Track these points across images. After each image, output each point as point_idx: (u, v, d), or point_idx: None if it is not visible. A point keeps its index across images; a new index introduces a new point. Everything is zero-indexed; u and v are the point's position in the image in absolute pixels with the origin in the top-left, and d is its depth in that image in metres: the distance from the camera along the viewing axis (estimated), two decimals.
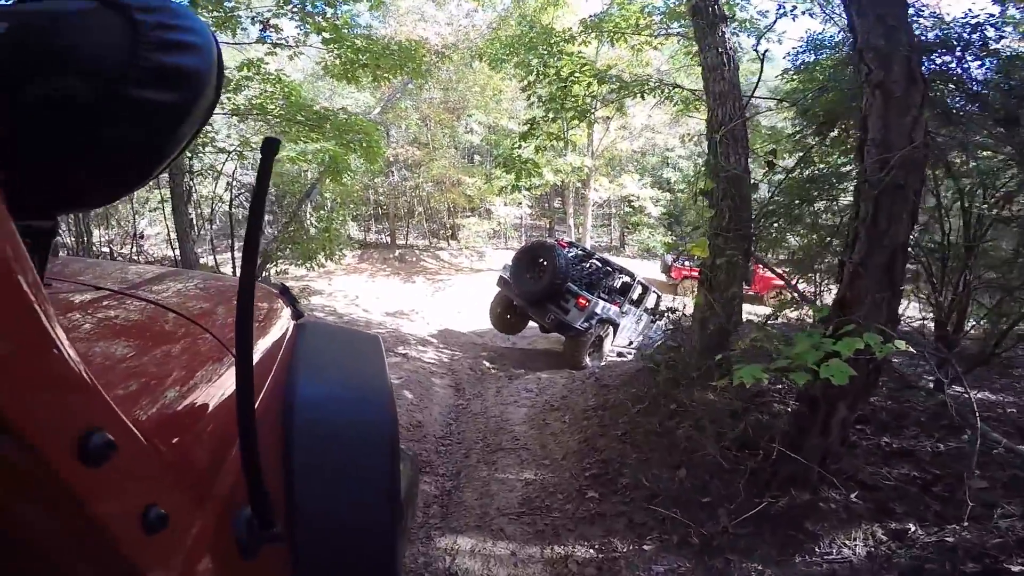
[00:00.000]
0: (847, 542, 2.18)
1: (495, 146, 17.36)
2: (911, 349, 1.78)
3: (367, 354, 1.34)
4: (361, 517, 1.00)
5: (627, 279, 8.45)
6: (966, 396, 2.51)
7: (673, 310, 5.56)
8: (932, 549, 2.05)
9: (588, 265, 8.46)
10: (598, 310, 7.35)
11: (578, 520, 3.12)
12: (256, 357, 0.98)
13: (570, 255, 7.89)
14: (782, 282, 10.57)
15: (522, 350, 9.35)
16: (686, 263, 14.79)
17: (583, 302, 7.09)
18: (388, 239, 19.73)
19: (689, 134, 14.98)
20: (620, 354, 8.49)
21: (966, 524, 2.12)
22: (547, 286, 7.17)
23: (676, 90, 6.55)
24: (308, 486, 0.93)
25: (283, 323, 1.28)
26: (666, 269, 15.80)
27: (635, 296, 8.45)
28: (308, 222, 8.50)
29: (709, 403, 3.44)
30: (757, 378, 1.86)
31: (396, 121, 17.54)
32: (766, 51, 3.30)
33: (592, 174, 17.45)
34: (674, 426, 3.41)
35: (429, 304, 12.83)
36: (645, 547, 2.67)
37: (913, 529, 2.14)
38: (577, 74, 5.61)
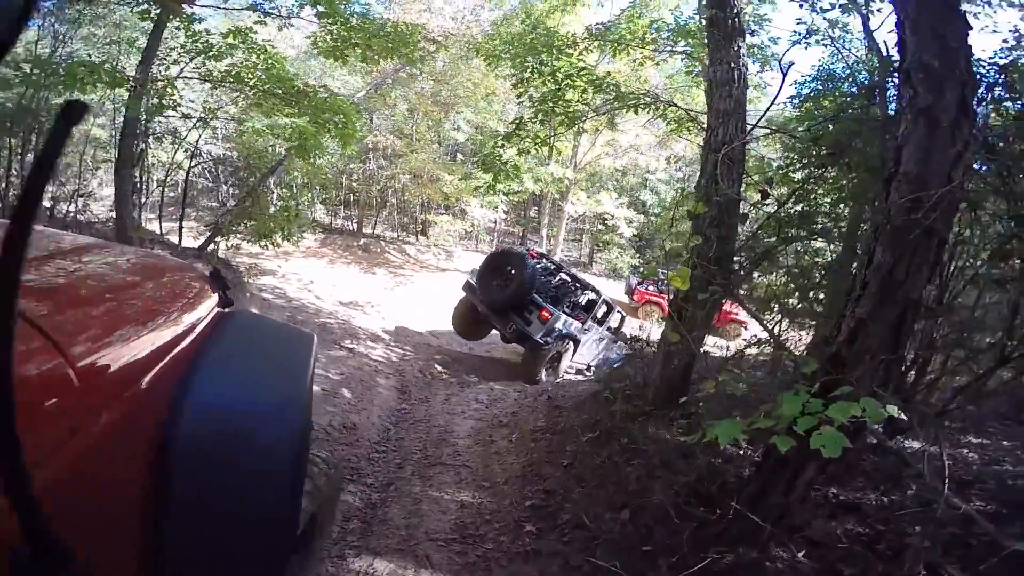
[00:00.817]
0: None
1: (480, 146, 17.11)
2: (903, 416, 1.58)
3: (292, 356, 1.21)
4: (245, 548, 0.91)
5: (592, 296, 8.31)
6: (937, 460, 2.34)
7: (637, 338, 5.38)
8: None
9: (556, 279, 8.34)
10: (559, 324, 7.18)
11: (512, 555, 2.85)
12: (146, 346, 0.87)
13: (539, 267, 7.76)
14: (739, 318, 10.73)
15: (479, 357, 9.07)
16: (649, 287, 14.97)
17: (546, 315, 6.96)
18: (355, 226, 19.18)
19: (676, 156, 14.99)
20: (579, 371, 8.32)
21: None
22: (512, 295, 6.99)
23: (671, 109, 6.42)
24: (183, 505, 0.84)
25: (200, 310, 1.15)
26: (629, 291, 15.92)
27: (599, 314, 8.27)
28: (269, 199, 8.02)
29: (663, 442, 3.22)
30: (735, 438, 1.63)
31: (381, 108, 17.05)
32: (790, 65, 3.13)
33: (572, 187, 17.36)
34: (623, 462, 3.17)
35: (387, 298, 12.42)
36: None
37: None
38: (574, 77, 5.39)
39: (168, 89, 6.62)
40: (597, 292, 8.28)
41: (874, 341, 1.80)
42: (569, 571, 2.60)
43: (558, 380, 7.46)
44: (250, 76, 6.75)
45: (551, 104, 5.54)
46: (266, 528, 0.93)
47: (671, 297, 3.42)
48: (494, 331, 8.55)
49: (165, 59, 7.18)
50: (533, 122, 5.67)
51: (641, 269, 19.68)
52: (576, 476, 3.42)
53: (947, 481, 2.02)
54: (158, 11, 6.15)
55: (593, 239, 23.14)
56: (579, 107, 5.96)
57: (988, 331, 3.19)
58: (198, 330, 1.07)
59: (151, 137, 7.33)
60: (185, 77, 7.17)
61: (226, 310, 1.35)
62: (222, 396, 0.92)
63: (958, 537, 2.25)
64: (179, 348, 0.96)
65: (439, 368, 7.62)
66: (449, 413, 5.79)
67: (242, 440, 0.90)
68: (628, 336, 6.62)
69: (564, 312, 7.37)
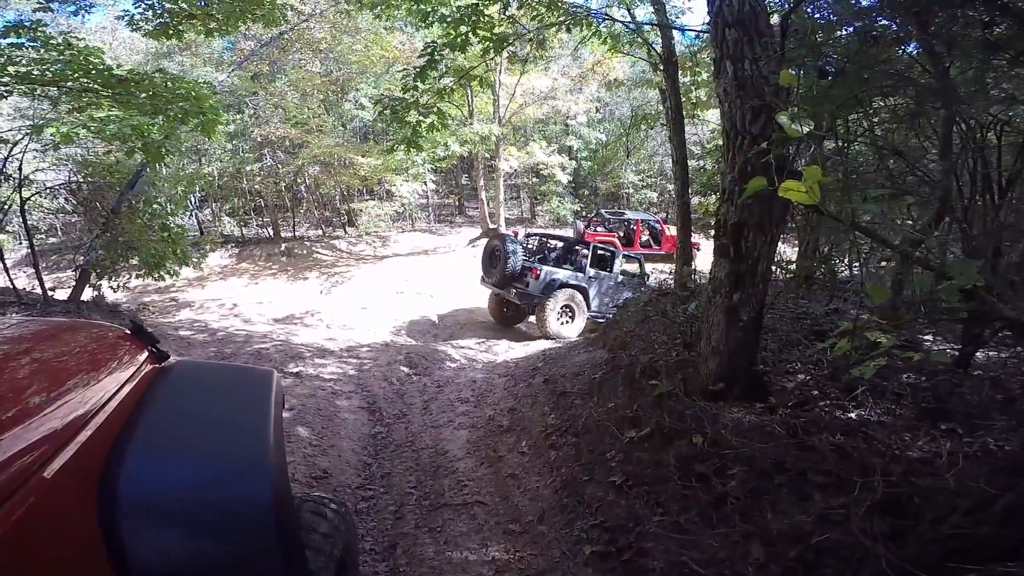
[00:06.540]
0: None
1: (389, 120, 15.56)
2: None
3: (247, 404, 1.10)
4: None
5: (578, 247, 9.46)
6: None
7: (666, 292, 4.49)
8: None
9: (544, 245, 9.96)
10: (552, 276, 8.53)
11: None
12: (48, 424, 0.75)
13: (524, 242, 9.43)
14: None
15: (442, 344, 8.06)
16: (597, 228, 15.22)
17: (536, 272, 8.44)
18: (271, 233, 17.31)
19: (616, 80, 14.00)
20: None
21: None
22: (502, 268, 8.57)
23: (607, 22, 5.42)
24: None
25: (121, 373, 1.02)
26: (579, 236, 15.51)
27: (599, 262, 9.04)
28: (142, 219, 6.39)
29: (756, 429, 2.31)
30: None
31: (261, 92, 15.02)
32: None
33: (501, 143, 16.18)
34: (713, 474, 2.23)
35: (326, 303, 11.09)
36: None
37: None
38: None
39: None
40: (586, 244, 9.45)
41: None
42: None
43: (575, 333, 8.37)
44: (45, 72, 5.19)
45: (471, 25, 4.36)
46: None
47: (718, 222, 2.48)
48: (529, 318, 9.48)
49: None
50: (452, 47, 4.46)
51: (585, 213, 19.21)
52: (642, 499, 2.46)
53: None
54: None
55: (531, 193, 22.27)
56: (504, 28, 4.81)
57: None
58: (122, 395, 0.95)
59: None
60: None
61: (161, 365, 1.19)
62: (162, 481, 0.83)
63: None
64: (99, 422, 0.84)
65: (405, 370, 6.50)
66: (433, 426, 4.75)
67: (200, 524, 0.81)
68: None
69: (553, 266, 8.80)
